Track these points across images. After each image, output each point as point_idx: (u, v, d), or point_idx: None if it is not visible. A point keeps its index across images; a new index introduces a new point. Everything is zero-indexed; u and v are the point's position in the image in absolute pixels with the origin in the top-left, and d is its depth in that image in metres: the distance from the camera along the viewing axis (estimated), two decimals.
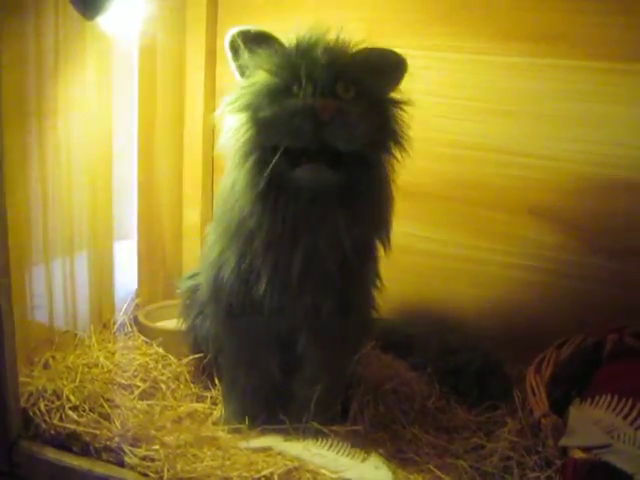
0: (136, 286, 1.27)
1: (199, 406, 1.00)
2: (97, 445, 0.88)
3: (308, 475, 0.83)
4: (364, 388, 0.99)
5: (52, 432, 0.90)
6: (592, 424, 0.80)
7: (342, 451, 0.88)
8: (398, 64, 0.88)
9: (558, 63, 1.05)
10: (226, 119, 0.86)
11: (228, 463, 0.85)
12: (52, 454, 0.89)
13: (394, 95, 0.88)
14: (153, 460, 0.85)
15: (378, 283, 0.96)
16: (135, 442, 0.88)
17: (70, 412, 0.92)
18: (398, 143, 0.87)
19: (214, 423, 0.96)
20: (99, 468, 0.87)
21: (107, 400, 0.96)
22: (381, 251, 0.92)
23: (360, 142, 0.81)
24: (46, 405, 0.93)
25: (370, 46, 0.86)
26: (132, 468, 0.85)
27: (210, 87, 1.26)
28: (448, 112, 1.12)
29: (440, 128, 1.13)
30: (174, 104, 1.26)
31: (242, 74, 0.87)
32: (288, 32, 0.85)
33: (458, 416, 0.98)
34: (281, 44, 0.85)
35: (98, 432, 0.89)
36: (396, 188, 0.90)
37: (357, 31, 0.85)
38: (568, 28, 1.04)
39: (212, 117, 0.88)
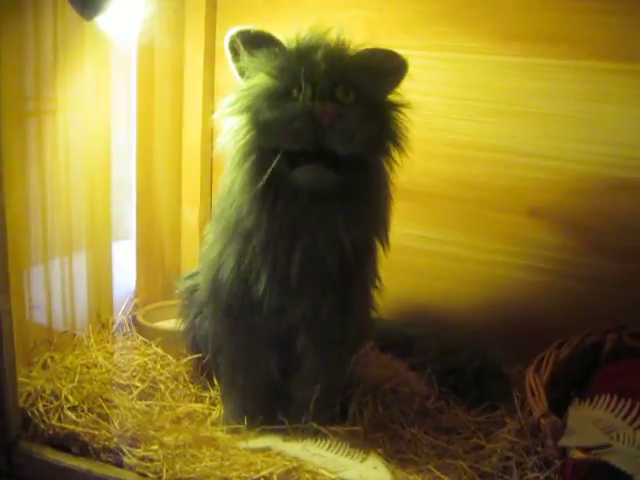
0: (135, 286, 1.27)
1: (198, 406, 1.00)
2: (96, 445, 0.88)
3: (307, 475, 0.83)
4: (363, 388, 0.99)
5: (51, 432, 0.90)
6: (591, 424, 0.80)
7: (341, 451, 0.88)
8: (399, 65, 0.88)
9: (559, 63, 1.05)
10: (225, 120, 0.86)
11: (227, 463, 0.85)
12: (51, 454, 0.89)
13: (394, 98, 0.88)
14: (152, 460, 0.85)
15: (377, 283, 0.96)
16: (134, 442, 0.88)
17: (69, 412, 0.92)
18: (397, 145, 0.87)
19: (213, 423, 0.96)
20: (98, 468, 0.87)
21: (106, 400, 0.96)
22: (380, 251, 0.92)
23: (359, 146, 0.81)
24: (45, 405, 0.93)
25: (371, 47, 0.86)
26: (131, 468, 0.85)
27: (209, 87, 1.26)
28: (448, 112, 1.12)
29: (440, 128, 1.13)
30: (173, 104, 1.26)
31: (242, 75, 0.87)
32: (288, 32, 0.84)
33: (457, 416, 0.98)
34: (281, 45, 0.85)
35: (97, 432, 0.89)
36: (396, 188, 0.90)
37: (357, 31, 0.85)
38: (569, 28, 1.04)
39: (211, 118, 0.88)
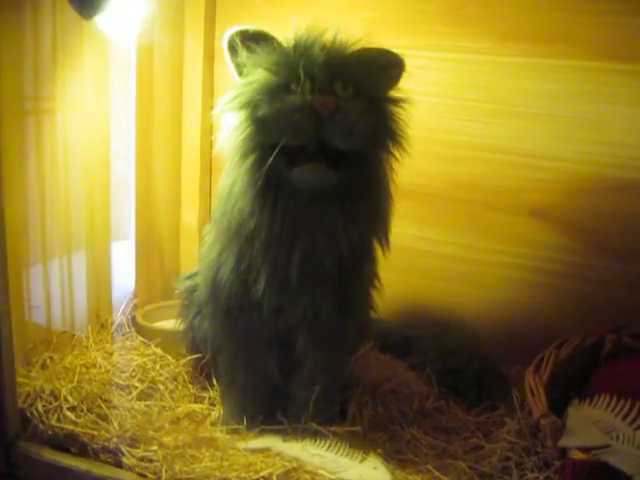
0: (134, 286, 1.27)
1: (197, 407, 0.99)
2: (95, 446, 0.88)
3: (307, 476, 0.83)
4: (363, 388, 0.99)
5: (50, 433, 0.90)
6: (591, 424, 0.80)
7: (341, 451, 0.88)
8: (396, 63, 0.88)
9: (562, 63, 1.05)
10: (224, 117, 0.86)
11: (226, 464, 0.84)
12: (50, 455, 0.89)
13: (392, 94, 0.88)
14: (151, 461, 0.85)
15: (377, 283, 0.96)
16: (133, 443, 0.88)
17: (68, 413, 0.92)
18: (397, 142, 0.87)
19: (212, 424, 0.96)
20: (97, 469, 0.86)
21: (105, 401, 0.96)
22: (380, 252, 0.92)
23: (359, 140, 0.81)
24: (44, 406, 0.93)
25: (367, 45, 0.86)
26: (130, 469, 0.85)
27: (208, 87, 1.26)
28: (449, 112, 1.12)
29: (440, 128, 1.13)
30: (172, 104, 1.26)
31: (240, 73, 0.87)
32: (286, 32, 0.85)
33: (457, 417, 0.98)
34: (279, 43, 0.85)
35: (96, 433, 0.89)
36: (396, 188, 0.90)
37: (356, 31, 0.85)
38: (572, 28, 1.04)
39: (210, 116, 0.88)
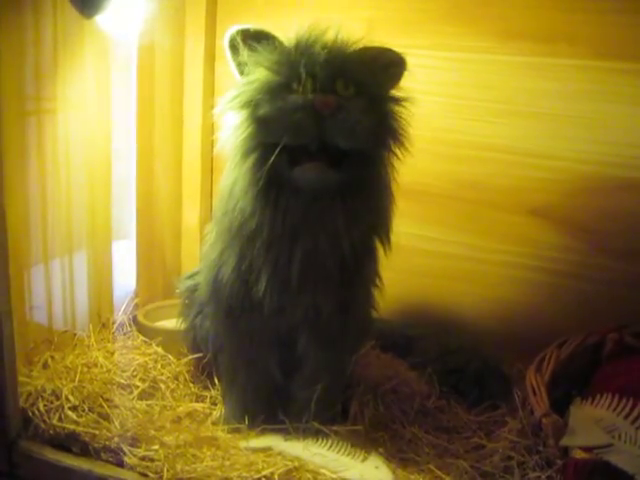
0: (135, 286, 1.27)
1: (199, 406, 1.00)
2: (96, 445, 0.88)
3: (308, 475, 0.83)
4: (364, 388, 0.99)
5: (51, 432, 0.90)
6: (593, 424, 0.80)
7: (342, 451, 0.88)
8: (397, 62, 0.88)
9: (565, 62, 1.05)
10: (226, 117, 0.86)
11: (228, 463, 0.84)
12: (51, 454, 0.89)
13: (394, 93, 0.88)
14: (152, 460, 0.85)
15: (378, 283, 0.96)
16: (134, 442, 0.88)
17: (69, 412, 0.92)
18: (398, 141, 0.87)
19: (214, 423, 0.96)
20: (98, 468, 0.86)
21: (106, 400, 0.96)
22: (381, 251, 0.92)
23: (361, 139, 0.81)
24: (45, 405, 0.93)
25: (369, 45, 0.86)
26: (131, 468, 0.85)
27: (209, 86, 1.26)
28: (451, 112, 1.12)
29: (442, 127, 1.13)
30: (173, 104, 1.26)
31: (241, 72, 0.87)
32: (287, 31, 0.84)
33: (458, 416, 0.98)
34: (280, 42, 0.85)
35: (97, 432, 0.89)
36: (398, 188, 0.90)
37: (358, 31, 0.85)
38: (571, 27, 1.04)
39: (211, 115, 0.88)
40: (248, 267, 0.87)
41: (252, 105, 0.82)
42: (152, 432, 0.89)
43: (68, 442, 0.90)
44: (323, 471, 0.83)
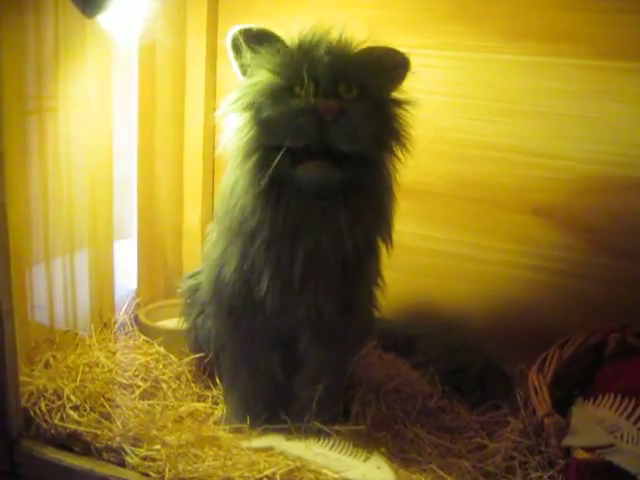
0: (136, 285, 1.27)
1: (200, 406, 1.00)
2: (98, 445, 0.88)
3: (310, 475, 0.83)
4: (366, 388, 0.99)
5: (53, 432, 0.90)
6: (595, 424, 0.80)
7: (344, 451, 0.88)
8: (401, 63, 0.87)
9: (567, 62, 1.05)
10: (228, 118, 0.85)
11: (230, 463, 0.84)
12: (53, 454, 0.89)
13: (397, 95, 0.88)
14: (154, 460, 0.85)
15: (380, 282, 0.96)
16: (136, 442, 0.88)
17: (71, 412, 0.92)
18: (400, 143, 0.87)
19: (215, 423, 0.96)
20: (100, 468, 0.86)
21: (108, 400, 0.96)
22: (383, 250, 0.92)
23: (363, 142, 0.81)
24: (47, 405, 0.93)
25: (373, 45, 0.86)
26: (133, 468, 0.85)
27: (211, 86, 1.26)
28: (453, 111, 1.12)
29: (445, 127, 1.12)
30: (174, 103, 1.26)
31: (244, 73, 0.86)
32: (290, 31, 0.84)
33: (460, 416, 0.98)
34: (283, 43, 0.85)
35: (99, 432, 0.89)
36: (400, 187, 0.89)
37: (360, 30, 0.85)
38: (577, 26, 1.03)
39: (213, 117, 0.88)
40: (250, 266, 0.87)
41: (254, 108, 0.82)
42: (154, 432, 0.89)
43: (70, 442, 0.90)
44: (325, 471, 0.83)
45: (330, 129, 0.78)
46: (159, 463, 0.84)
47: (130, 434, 0.89)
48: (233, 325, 0.93)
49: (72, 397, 0.94)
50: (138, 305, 1.24)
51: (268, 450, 0.88)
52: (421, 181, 1.13)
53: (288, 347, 0.93)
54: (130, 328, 1.19)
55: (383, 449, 0.89)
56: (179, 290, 1.09)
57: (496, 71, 1.09)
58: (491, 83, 1.10)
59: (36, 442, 0.90)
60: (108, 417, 0.92)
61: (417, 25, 1.12)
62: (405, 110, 0.87)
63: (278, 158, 0.79)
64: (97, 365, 1.05)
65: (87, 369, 1.02)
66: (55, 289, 1.07)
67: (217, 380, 1.03)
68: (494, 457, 0.86)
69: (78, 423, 0.90)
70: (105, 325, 1.17)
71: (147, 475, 0.84)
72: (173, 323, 1.15)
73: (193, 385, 1.05)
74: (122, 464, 0.86)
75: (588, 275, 1.09)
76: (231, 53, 0.86)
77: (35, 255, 1.03)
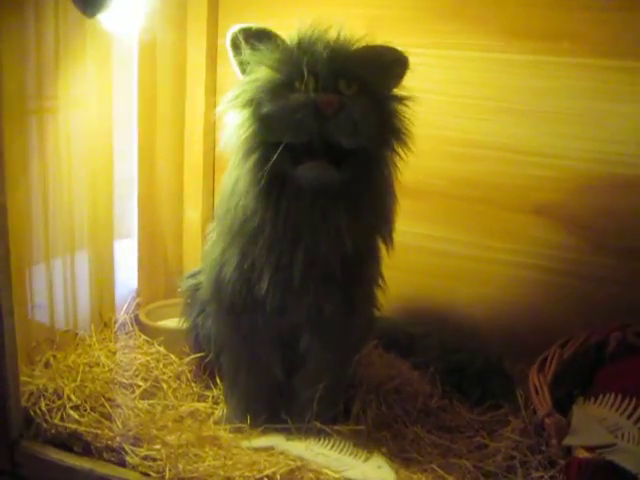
0: (137, 285, 1.27)
1: (201, 405, 0.99)
2: (98, 445, 0.88)
3: (310, 475, 0.82)
4: (366, 387, 0.99)
5: (53, 432, 0.90)
6: (596, 423, 0.80)
7: (344, 450, 0.88)
8: (399, 61, 0.88)
9: (564, 61, 1.05)
10: (228, 115, 0.85)
11: (230, 463, 0.84)
12: (53, 454, 0.89)
13: (396, 92, 0.88)
14: (155, 460, 0.85)
15: (381, 282, 0.95)
16: (136, 442, 0.88)
17: (71, 411, 0.92)
18: (401, 140, 0.87)
19: (216, 422, 0.96)
20: (100, 468, 0.86)
21: (108, 399, 0.96)
22: (384, 250, 0.92)
23: (363, 138, 0.81)
24: (47, 405, 0.93)
25: (371, 43, 0.86)
26: (133, 468, 0.85)
27: (211, 85, 1.26)
28: (452, 110, 1.12)
29: (443, 126, 1.12)
30: (175, 102, 1.26)
31: (243, 71, 0.86)
32: (289, 29, 0.84)
33: (461, 415, 0.98)
34: (282, 41, 0.84)
35: (99, 432, 0.89)
36: (400, 186, 0.89)
37: (359, 29, 0.85)
38: (574, 25, 1.03)
39: (213, 114, 0.87)
40: (250, 266, 0.87)
41: (254, 104, 0.82)
42: (154, 431, 0.89)
43: (70, 441, 0.90)
44: (325, 471, 0.83)
45: (330, 124, 0.78)
46: (159, 463, 0.84)
47: (130, 434, 0.89)
48: (233, 325, 0.93)
49: (72, 397, 0.94)
50: (138, 305, 1.24)
51: (268, 450, 0.88)
52: (419, 180, 1.13)
53: (289, 347, 0.93)
54: (130, 328, 1.19)
55: (384, 449, 0.89)
56: (179, 290, 1.09)
57: (494, 70, 1.09)
58: (489, 82, 1.09)
59: (36, 442, 0.90)
60: (108, 417, 0.92)
61: (414, 24, 1.11)
62: (406, 107, 0.87)
63: (277, 154, 0.79)
64: (97, 365, 1.05)
65: (87, 369, 1.03)
66: (55, 289, 1.07)
67: (217, 380, 1.03)
68: (495, 457, 0.86)
69: (78, 423, 0.90)
70: (105, 325, 1.17)
71: (147, 475, 0.84)
72: (173, 323, 1.15)
73: (193, 385, 1.05)
74: (122, 464, 0.86)
75: (587, 274, 1.09)
76: (230, 52, 0.86)
77: (35, 254, 1.03)
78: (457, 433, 0.94)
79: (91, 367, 1.04)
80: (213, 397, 1.02)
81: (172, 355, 1.10)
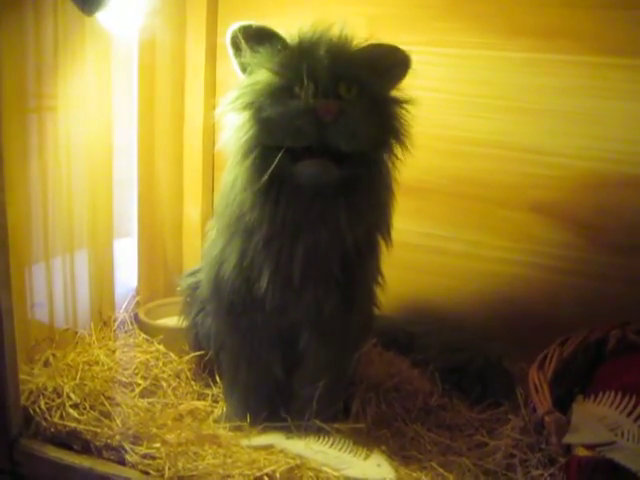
0: (136, 283, 1.27)
1: (200, 404, 0.99)
2: (98, 443, 0.88)
3: (310, 473, 0.82)
4: (366, 385, 0.99)
5: (53, 430, 0.90)
6: (596, 421, 0.80)
7: (344, 449, 0.88)
8: (402, 61, 0.87)
9: (564, 58, 1.05)
10: (227, 117, 0.85)
11: (229, 461, 0.84)
12: (53, 452, 0.89)
13: (396, 94, 0.87)
14: (154, 458, 0.85)
15: (380, 280, 0.95)
16: (136, 440, 0.88)
17: (71, 410, 0.92)
18: (400, 141, 0.87)
19: (215, 421, 0.96)
20: (100, 466, 0.86)
21: (108, 398, 0.96)
22: (383, 248, 0.92)
23: (362, 142, 0.81)
24: (46, 403, 0.93)
25: (374, 43, 0.86)
26: (133, 466, 0.85)
27: (210, 84, 1.26)
28: (451, 108, 1.12)
29: (443, 124, 1.12)
30: (174, 101, 1.26)
31: (243, 71, 0.86)
32: (290, 28, 0.84)
33: (460, 413, 0.98)
34: (283, 40, 0.84)
35: (99, 430, 0.89)
36: (399, 185, 0.89)
37: (359, 27, 0.85)
38: (574, 23, 1.03)
39: (212, 115, 0.87)
40: (249, 264, 0.87)
41: (254, 107, 0.81)
42: (154, 430, 0.89)
43: (69, 440, 0.89)
44: (325, 469, 0.83)
45: (329, 130, 0.78)
46: (159, 461, 0.84)
47: (130, 432, 0.89)
48: (233, 323, 0.93)
49: (72, 395, 0.94)
50: (138, 303, 1.24)
51: (268, 448, 0.88)
52: (418, 178, 1.13)
53: (288, 345, 0.93)
54: (130, 326, 1.19)
55: (383, 447, 0.89)
56: (179, 288, 1.09)
57: (492, 68, 1.09)
58: (487, 80, 1.10)
59: (36, 440, 0.90)
60: (108, 415, 0.92)
61: (413, 22, 1.12)
62: (405, 109, 0.87)
63: (278, 158, 0.79)
64: (97, 363, 1.05)
65: (87, 367, 1.02)
66: (55, 287, 1.07)
67: (217, 378, 1.03)
68: (494, 455, 0.86)
69: (78, 421, 0.90)
70: (105, 323, 1.17)
71: (147, 473, 0.84)
72: (173, 321, 1.15)
73: (193, 383, 1.05)
74: (122, 462, 0.86)
75: (586, 272, 1.09)
76: (230, 50, 0.86)
77: (35, 253, 1.03)
78: (457, 431, 0.94)
79: (90, 365, 1.04)
80: (213, 395, 1.02)
81: (172, 353, 1.10)
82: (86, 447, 0.89)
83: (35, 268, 1.03)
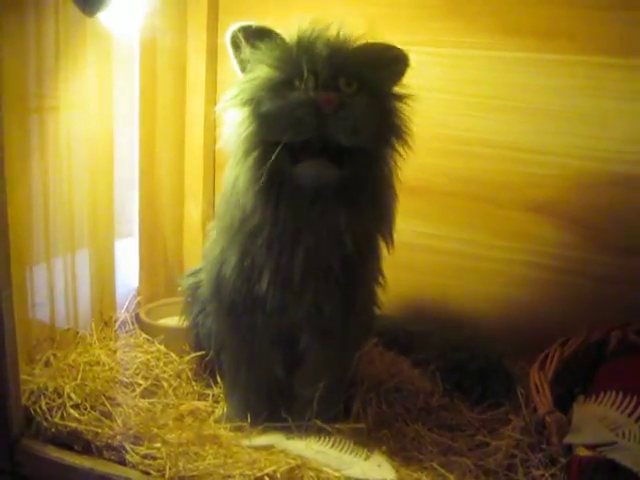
0: (137, 284, 1.27)
1: (201, 404, 1.00)
2: (99, 443, 0.88)
3: (311, 473, 0.82)
4: (367, 386, 0.99)
5: (53, 430, 0.90)
6: (597, 421, 0.80)
7: (345, 449, 0.88)
8: (400, 59, 0.87)
9: (560, 58, 1.05)
10: (227, 114, 0.85)
11: (230, 461, 0.84)
12: (54, 452, 0.89)
13: (396, 90, 0.87)
14: (155, 458, 0.85)
15: (381, 280, 0.95)
16: (137, 440, 0.88)
17: (71, 410, 0.92)
18: (400, 138, 0.87)
19: (216, 421, 0.96)
20: (101, 466, 0.86)
21: (109, 398, 0.96)
22: (384, 248, 0.92)
23: (363, 136, 0.81)
24: (47, 403, 0.93)
25: (371, 41, 0.86)
26: (134, 466, 0.85)
27: (211, 83, 1.26)
28: (450, 108, 1.12)
29: (441, 124, 1.13)
30: (175, 101, 1.26)
31: (243, 69, 0.86)
32: (289, 28, 0.84)
33: (461, 414, 0.98)
34: (282, 39, 0.84)
35: (100, 430, 0.89)
36: (400, 184, 0.89)
37: (358, 27, 0.85)
38: (570, 23, 1.04)
39: (213, 113, 0.87)
40: (250, 265, 0.87)
41: (254, 102, 0.81)
42: (154, 430, 0.89)
43: (70, 440, 0.90)
44: (326, 469, 0.83)
45: (330, 122, 0.78)
46: (160, 461, 0.84)
47: (131, 432, 0.89)
48: (233, 323, 0.93)
49: (73, 395, 0.94)
50: (139, 303, 1.25)
51: (269, 448, 0.88)
52: (416, 178, 1.13)
53: (289, 345, 0.93)
54: (131, 326, 1.19)
55: (384, 447, 0.89)
56: (180, 288, 1.09)
57: (489, 68, 1.09)
58: (484, 80, 1.10)
59: (37, 441, 0.90)
60: (109, 415, 0.92)
61: (412, 22, 1.12)
62: (405, 105, 0.87)
63: (276, 153, 0.79)
64: (98, 363, 1.05)
65: (88, 367, 1.02)
66: (56, 287, 1.07)
67: (218, 378, 1.03)
68: (495, 455, 0.86)
69: (79, 421, 0.90)
70: (106, 323, 1.17)
71: (148, 473, 0.84)
72: (174, 321, 1.15)
73: (194, 383, 1.05)
74: (123, 462, 0.86)
75: (588, 272, 1.09)
76: (230, 50, 0.86)
77: (36, 253, 1.03)
78: (458, 431, 0.94)
79: (91, 366, 1.04)
80: (213, 396, 1.02)
81: (172, 354, 1.10)
82: (87, 447, 0.89)
83: (36, 268, 1.03)
